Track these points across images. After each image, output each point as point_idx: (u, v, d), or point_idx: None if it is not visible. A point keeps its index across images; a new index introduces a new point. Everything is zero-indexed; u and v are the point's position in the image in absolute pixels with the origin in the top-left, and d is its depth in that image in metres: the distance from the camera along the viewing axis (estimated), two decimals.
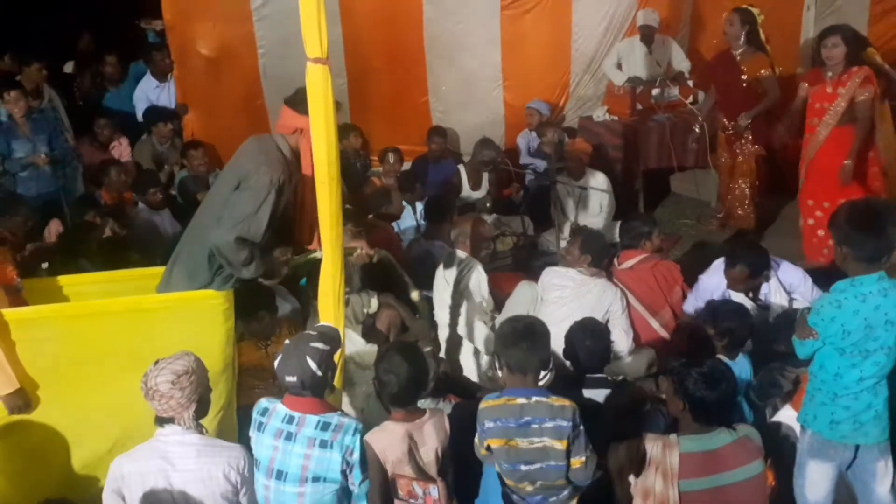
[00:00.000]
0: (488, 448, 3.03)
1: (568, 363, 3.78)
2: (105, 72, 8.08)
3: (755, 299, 4.50)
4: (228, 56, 7.08)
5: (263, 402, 3.10)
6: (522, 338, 3.00)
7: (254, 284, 3.97)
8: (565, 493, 3.06)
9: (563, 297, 4.55)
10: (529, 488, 3.03)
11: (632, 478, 3.01)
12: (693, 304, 4.64)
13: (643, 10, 7.20)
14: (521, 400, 2.98)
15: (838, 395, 3.08)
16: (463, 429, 3.26)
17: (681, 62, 7.41)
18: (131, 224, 5.91)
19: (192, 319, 3.59)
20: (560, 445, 2.95)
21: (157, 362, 2.90)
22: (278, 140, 3.65)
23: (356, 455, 2.97)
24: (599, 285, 4.60)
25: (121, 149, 7.17)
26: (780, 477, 3.40)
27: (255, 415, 3.07)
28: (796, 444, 3.40)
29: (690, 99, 7.21)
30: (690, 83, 7.24)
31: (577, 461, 2.99)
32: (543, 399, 2.98)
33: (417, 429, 3.07)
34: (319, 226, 3.32)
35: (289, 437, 2.97)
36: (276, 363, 3.01)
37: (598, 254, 4.73)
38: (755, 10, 6.16)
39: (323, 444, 2.95)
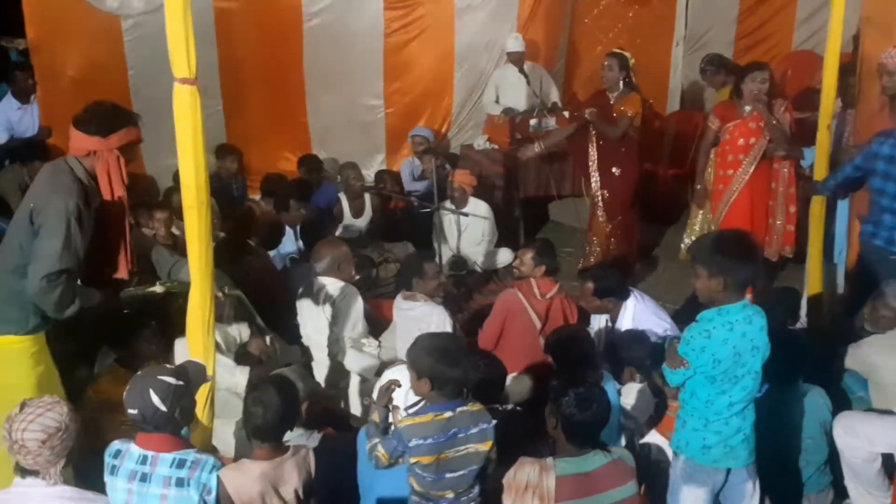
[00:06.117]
0: (415, 462, 2.98)
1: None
2: None
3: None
4: (97, 77, 6.77)
5: (116, 444, 2.91)
6: (460, 358, 3.01)
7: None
8: (474, 491, 3.10)
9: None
10: (450, 495, 3.03)
11: (508, 502, 3.00)
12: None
13: (509, 37, 7.38)
14: (448, 414, 2.99)
15: (710, 420, 3.13)
16: (337, 462, 3.19)
17: (552, 92, 7.61)
18: None
19: None
20: (484, 447, 3.02)
21: (22, 406, 2.67)
22: (72, 163, 3.45)
23: (213, 494, 2.83)
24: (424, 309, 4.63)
25: None
26: (654, 501, 3.47)
27: (107, 458, 2.89)
28: (667, 468, 3.48)
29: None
30: (566, 113, 7.45)
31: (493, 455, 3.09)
32: (465, 408, 3.03)
33: (276, 467, 2.96)
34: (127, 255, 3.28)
35: (143, 478, 2.81)
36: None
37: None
38: (627, 54, 6.23)
39: (179, 483, 2.80)
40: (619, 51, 6.29)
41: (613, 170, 6.22)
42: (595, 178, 6.32)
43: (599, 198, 6.31)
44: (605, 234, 6.36)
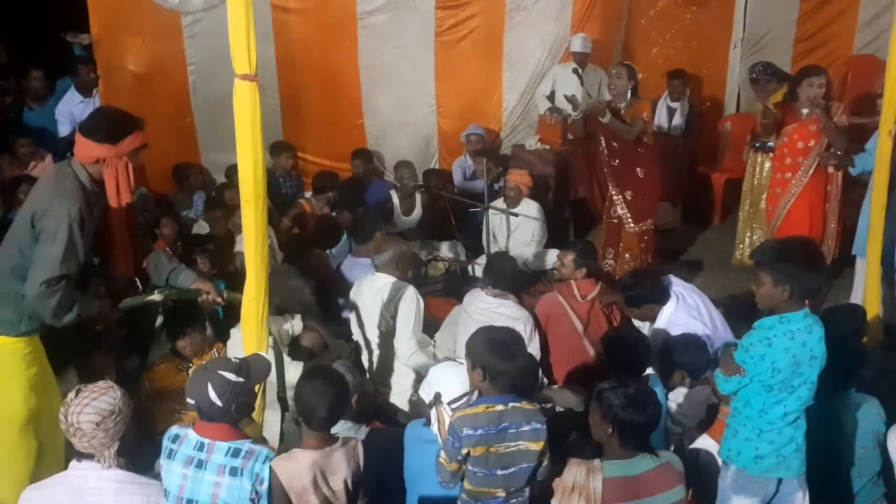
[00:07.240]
0: (466, 455, 2.98)
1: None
2: (30, 87, 7.77)
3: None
4: (157, 72, 6.98)
5: (175, 429, 2.98)
6: (516, 354, 3.02)
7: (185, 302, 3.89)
8: (525, 493, 3.08)
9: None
10: (501, 494, 3.03)
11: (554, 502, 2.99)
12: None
13: (576, 36, 7.35)
14: (500, 407, 2.98)
15: (763, 430, 3.09)
16: (384, 456, 3.22)
17: (608, 95, 7.54)
18: None
19: None
20: (536, 447, 2.99)
21: (78, 391, 2.76)
22: (76, 168, 3.39)
23: (265, 484, 2.88)
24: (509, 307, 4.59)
25: (43, 166, 6.92)
26: None
27: (165, 441, 2.95)
28: (717, 473, 3.44)
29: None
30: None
31: (546, 458, 3.04)
32: (518, 404, 3.02)
33: (326, 457, 2.99)
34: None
35: (199, 464, 2.87)
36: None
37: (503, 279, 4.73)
38: (635, 67, 6.12)
39: (233, 472, 2.85)
40: (628, 62, 6.24)
41: (637, 170, 6.00)
42: (613, 185, 6.07)
43: (622, 203, 6.05)
44: (637, 242, 6.12)
